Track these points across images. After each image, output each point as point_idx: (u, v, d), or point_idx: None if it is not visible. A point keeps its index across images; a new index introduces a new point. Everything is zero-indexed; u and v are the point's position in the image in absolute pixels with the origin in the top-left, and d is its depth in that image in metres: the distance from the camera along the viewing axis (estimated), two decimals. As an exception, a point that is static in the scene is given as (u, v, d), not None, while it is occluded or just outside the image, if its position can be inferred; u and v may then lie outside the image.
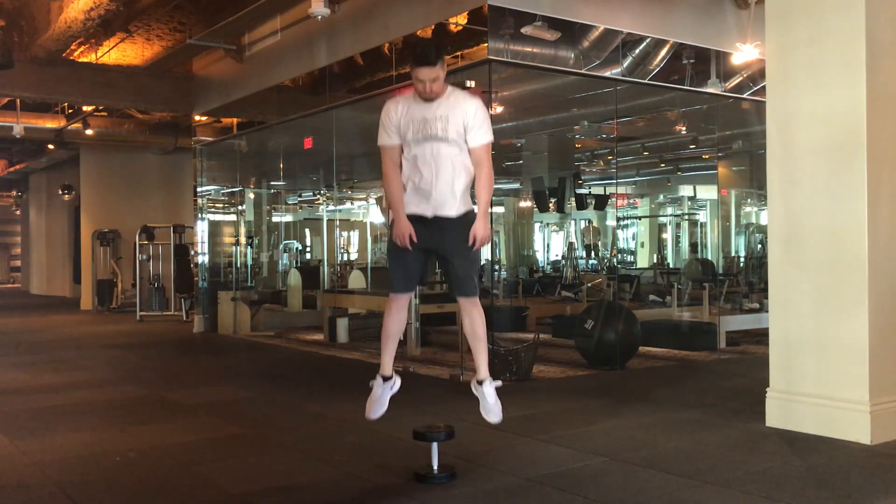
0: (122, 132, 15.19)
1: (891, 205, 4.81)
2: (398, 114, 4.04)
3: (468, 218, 4.04)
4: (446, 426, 4.10)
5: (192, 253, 14.43)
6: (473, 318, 4.10)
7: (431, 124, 3.94)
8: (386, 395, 4.12)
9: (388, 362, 4.17)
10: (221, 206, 14.68)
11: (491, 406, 4.07)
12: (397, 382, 4.18)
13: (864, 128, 4.67)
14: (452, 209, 3.99)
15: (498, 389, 4.13)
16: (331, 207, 15.60)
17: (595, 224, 16.09)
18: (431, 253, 4.11)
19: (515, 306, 11.08)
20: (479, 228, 3.97)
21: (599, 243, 15.88)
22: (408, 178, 4.03)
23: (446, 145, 3.95)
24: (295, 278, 12.72)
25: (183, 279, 14.58)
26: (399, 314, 4.15)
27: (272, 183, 15.32)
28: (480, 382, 4.10)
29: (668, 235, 17.12)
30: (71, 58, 11.78)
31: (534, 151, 13.44)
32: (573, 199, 13.66)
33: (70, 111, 14.57)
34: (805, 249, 4.98)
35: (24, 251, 26.66)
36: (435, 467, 4.00)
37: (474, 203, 4.13)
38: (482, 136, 3.98)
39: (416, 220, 4.00)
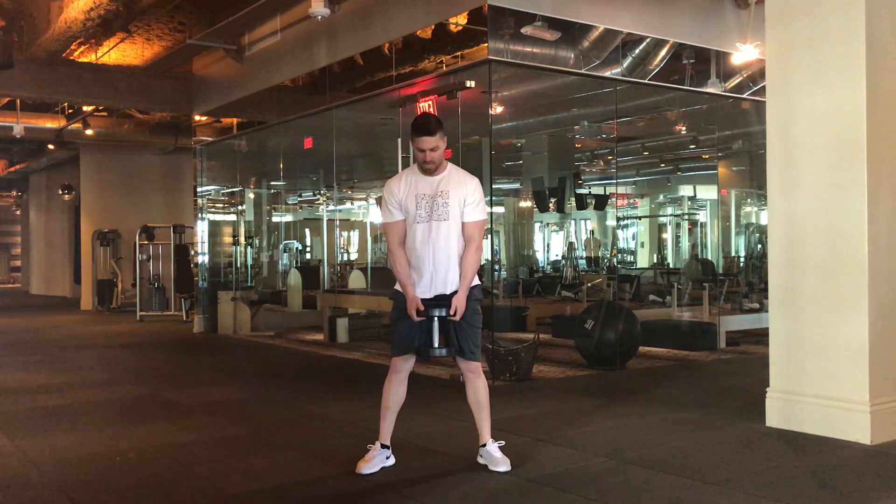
0: (122, 132, 15.20)
1: (891, 205, 4.82)
2: (401, 192, 4.15)
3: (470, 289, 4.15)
4: (453, 308, 4.07)
5: (192, 253, 14.43)
6: (477, 388, 4.19)
7: (437, 202, 4.07)
8: (379, 462, 4.17)
9: (386, 432, 4.23)
10: (221, 206, 14.67)
11: (499, 460, 4.15)
12: (392, 458, 4.24)
13: (864, 128, 4.67)
14: (452, 286, 4.10)
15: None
16: (331, 207, 15.59)
17: (596, 237, 16.12)
18: (433, 320, 4.15)
19: (515, 306, 11.07)
20: (460, 301, 4.06)
21: (600, 252, 15.90)
22: (410, 256, 4.15)
23: (446, 227, 4.09)
24: (295, 278, 12.72)
25: (183, 279, 14.57)
26: (399, 386, 4.21)
27: (272, 183, 15.30)
28: (483, 445, 4.20)
29: (668, 235, 17.12)
30: (71, 58, 11.77)
31: (534, 151, 13.43)
32: (573, 199, 13.65)
33: (70, 111, 14.57)
34: (805, 249, 4.98)
35: (24, 251, 26.67)
36: (436, 342, 4.07)
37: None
38: (478, 213, 4.14)
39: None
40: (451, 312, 4.04)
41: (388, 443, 4.23)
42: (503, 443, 4.25)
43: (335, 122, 10.10)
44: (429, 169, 4.08)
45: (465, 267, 4.09)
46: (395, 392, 4.20)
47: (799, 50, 5.02)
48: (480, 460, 4.21)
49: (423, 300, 4.08)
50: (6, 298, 21.89)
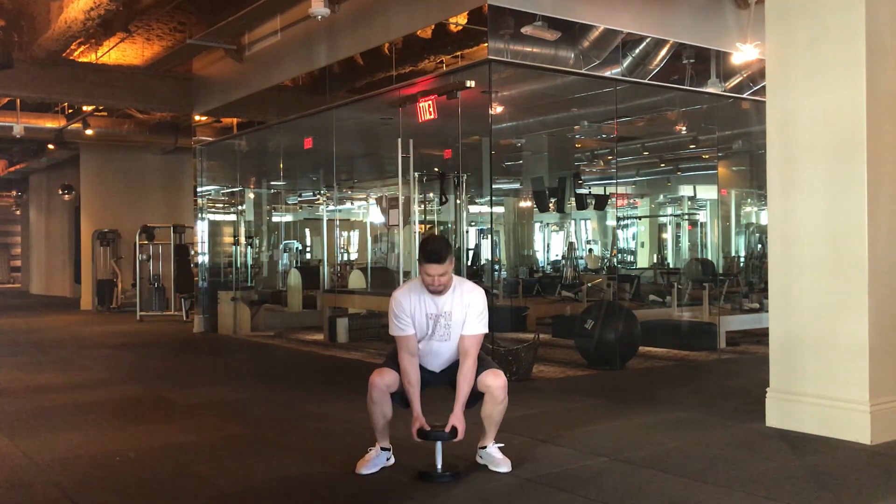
0: (122, 132, 15.19)
1: (891, 205, 4.82)
2: (411, 306, 4.11)
3: None
4: (450, 425, 4.09)
5: (192, 253, 14.42)
6: (496, 404, 4.08)
7: (439, 323, 4.08)
8: (379, 463, 4.16)
9: (383, 438, 4.21)
10: (221, 206, 14.67)
11: (500, 461, 4.15)
12: (392, 459, 4.23)
13: (864, 128, 4.67)
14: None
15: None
16: (331, 207, 15.59)
17: (595, 254, 16.14)
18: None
19: (515, 306, 11.07)
20: (458, 420, 4.01)
21: (598, 256, 15.91)
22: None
23: (448, 343, 4.13)
24: (295, 278, 12.72)
25: (183, 279, 14.57)
26: (381, 404, 4.08)
27: (272, 183, 15.30)
28: (484, 447, 4.19)
29: (668, 235, 17.11)
30: (71, 58, 11.77)
31: (534, 151, 13.43)
32: (573, 199, 13.64)
33: (70, 111, 14.56)
34: (805, 249, 4.98)
35: (24, 251, 26.66)
36: (439, 466, 4.01)
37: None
38: (477, 327, 4.10)
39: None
40: (447, 430, 3.99)
41: (387, 446, 4.22)
42: (503, 444, 4.25)
43: (335, 122, 10.10)
44: (436, 293, 4.07)
45: (461, 382, 4.04)
46: (380, 412, 4.10)
47: (799, 50, 5.02)
48: (480, 461, 4.21)
49: (423, 371, 4.16)
50: (6, 298, 21.89)
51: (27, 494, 3.93)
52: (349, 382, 7.39)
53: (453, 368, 4.16)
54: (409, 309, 4.10)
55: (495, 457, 4.16)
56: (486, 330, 4.13)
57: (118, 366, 8.71)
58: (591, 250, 16.21)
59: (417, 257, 4.09)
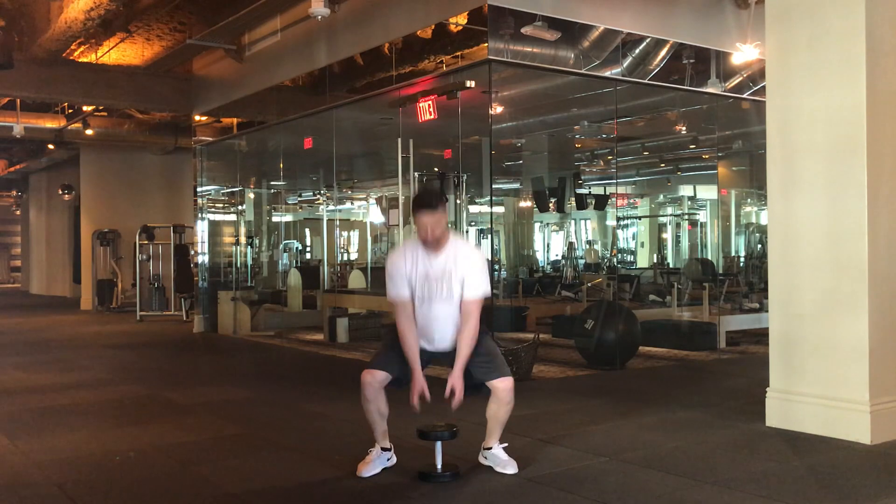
0: (122, 132, 15.19)
1: (891, 205, 4.82)
2: (407, 267, 4.06)
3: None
4: (449, 425, 4.11)
5: (192, 253, 14.43)
6: (500, 405, 4.08)
7: (436, 285, 4.01)
8: (379, 464, 4.14)
9: (381, 437, 4.17)
10: (221, 206, 14.67)
11: (506, 462, 4.13)
12: (394, 459, 4.20)
13: (864, 128, 4.67)
14: (453, 344, 4.08)
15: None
16: (331, 207, 15.59)
17: (595, 248, 16.14)
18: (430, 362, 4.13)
19: (515, 306, 11.08)
20: (456, 381, 3.96)
21: (599, 251, 15.90)
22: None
23: (449, 306, 4.03)
24: (295, 278, 12.72)
25: (183, 279, 14.57)
26: (376, 401, 4.04)
27: (272, 183, 15.30)
28: (489, 448, 4.16)
29: (668, 235, 17.12)
30: (71, 58, 11.78)
31: (534, 151, 13.43)
32: (573, 199, 13.65)
33: (70, 111, 14.57)
34: (805, 249, 4.98)
35: (24, 251, 26.66)
36: (439, 466, 4.01)
37: None
38: (478, 289, 4.03)
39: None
40: (447, 395, 3.94)
41: (387, 446, 4.20)
42: (507, 444, 4.24)
43: (335, 122, 10.10)
44: (430, 244, 4.01)
45: (462, 344, 3.98)
46: (374, 408, 4.05)
47: (799, 50, 5.02)
48: (484, 461, 4.20)
49: (422, 351, 4.08)
50: (6, 298, 21.88)
51: (27, 494, 3.93)
52: (349, 382, 7.37)
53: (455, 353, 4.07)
54: (407, 271, 4.04)
55: (501, 458, 4.13)
56: (488, 291, 4.06)
57: (118, 366, 8.71)
58: (590, 243, 16.20)
59: (412, 211, 4.00)
